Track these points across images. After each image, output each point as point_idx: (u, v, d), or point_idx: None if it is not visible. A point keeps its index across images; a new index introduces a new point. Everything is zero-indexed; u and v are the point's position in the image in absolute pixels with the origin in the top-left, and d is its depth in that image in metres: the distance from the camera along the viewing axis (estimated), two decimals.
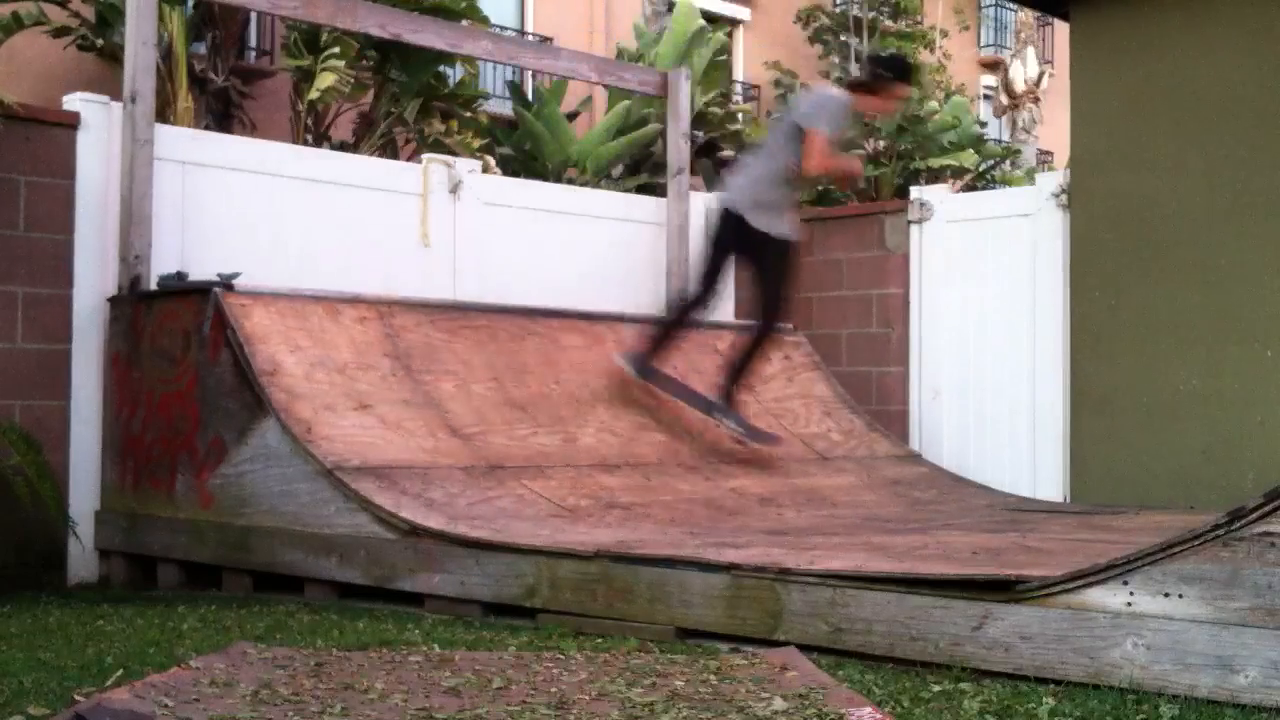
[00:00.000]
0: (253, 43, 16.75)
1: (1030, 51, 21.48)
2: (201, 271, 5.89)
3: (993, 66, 26.48)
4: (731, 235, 6.22)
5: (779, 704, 2.91)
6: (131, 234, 5.88)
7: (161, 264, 5.95)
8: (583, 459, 5.84)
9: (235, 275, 5.65)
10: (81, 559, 5.85)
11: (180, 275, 5.85)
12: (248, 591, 5.25)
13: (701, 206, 8.12)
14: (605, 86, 10.46)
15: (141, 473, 5.75)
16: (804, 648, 3.62)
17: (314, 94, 11.65)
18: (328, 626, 4.25)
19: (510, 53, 7.93)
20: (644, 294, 7.79)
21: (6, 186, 5.73)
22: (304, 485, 5.05)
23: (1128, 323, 6.82)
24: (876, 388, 7.83)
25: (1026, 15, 22.27)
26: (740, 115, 17.99)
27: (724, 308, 7.98)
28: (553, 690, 3.07)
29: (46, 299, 5.82)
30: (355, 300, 5.95)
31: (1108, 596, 3.15)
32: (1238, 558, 2.96)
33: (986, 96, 27.10)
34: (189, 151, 6.23)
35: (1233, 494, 5.91)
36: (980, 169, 18.73)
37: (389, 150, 12.50)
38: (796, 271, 6.58)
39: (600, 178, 13.30)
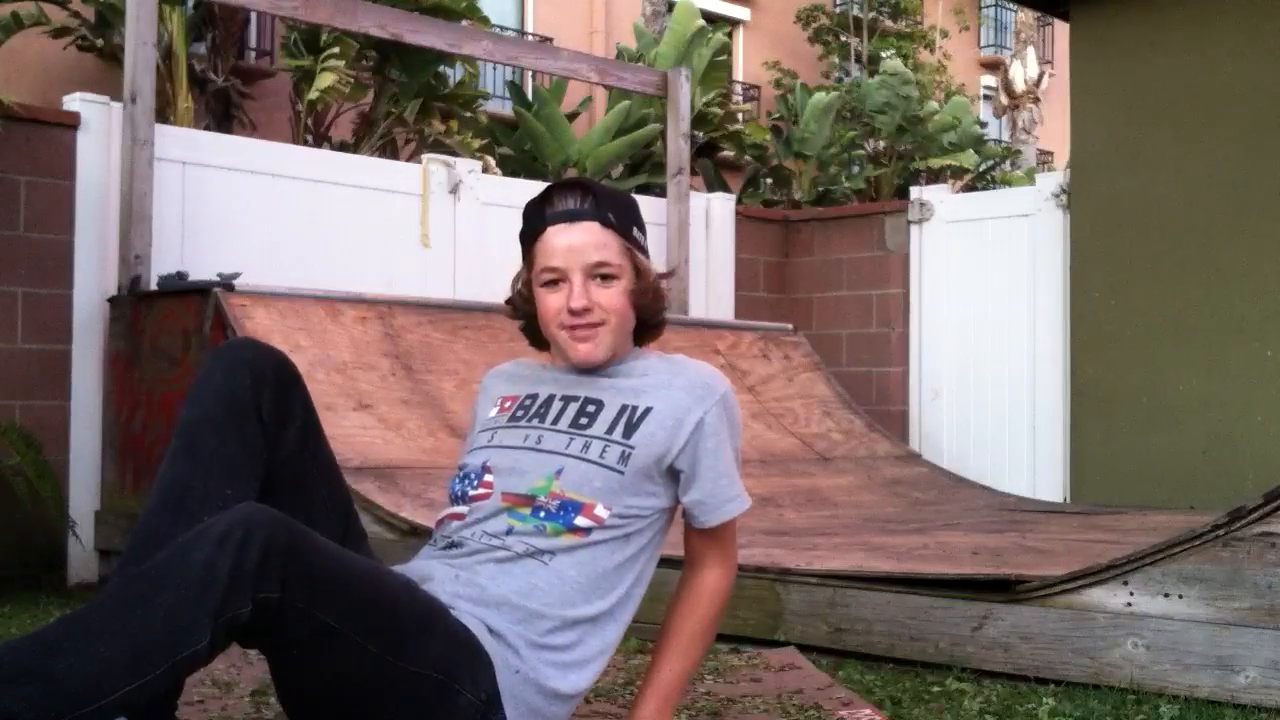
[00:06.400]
0: (253, 43, 16.76)
1: (1030, 51, 21.48)
2: (202, 271, 5.88)
3: (993, 66, 26.49)
4: None
5: (779, 704, 2.91)
6: (131, 234, 5.88)
7: (162, 264, 5.94)
8: None
9: (235, 275, 5.64)
10: (81, 559, 5.84)
11: (180, 275, 5.84)
12: None
13: (702, 206, 8.13)
14: (605, 86, 10.45)
15: (141, 473, 5.75)
16: (804, 648, 3.61)
17: (314, 94, 11.65)
18: None
19: (510, 53, 7.93)
20: None
21: (6, 186, 5.73)
22: None
23: (1128, 323, 6.82)
24: (876, 388, 7.83)
25: (1026, 15, 22.28)
26: (740, 115, 17.97)
27: (723, 306, 7.99)
28: None
29: (46, 299, 5.81)
30: (355, 300, 5.94)
31: (1108, 597, 3.15)
32: (1238, 558, 2.96)
33: (986, 97, 27.11)
34: (189, 151, 6.23)
35: (1233, 494, 5.90)
36: (980, 169, 18.72)
37: (389, 150, 12.50)
38: None
39: (600, 178, 13.28)
